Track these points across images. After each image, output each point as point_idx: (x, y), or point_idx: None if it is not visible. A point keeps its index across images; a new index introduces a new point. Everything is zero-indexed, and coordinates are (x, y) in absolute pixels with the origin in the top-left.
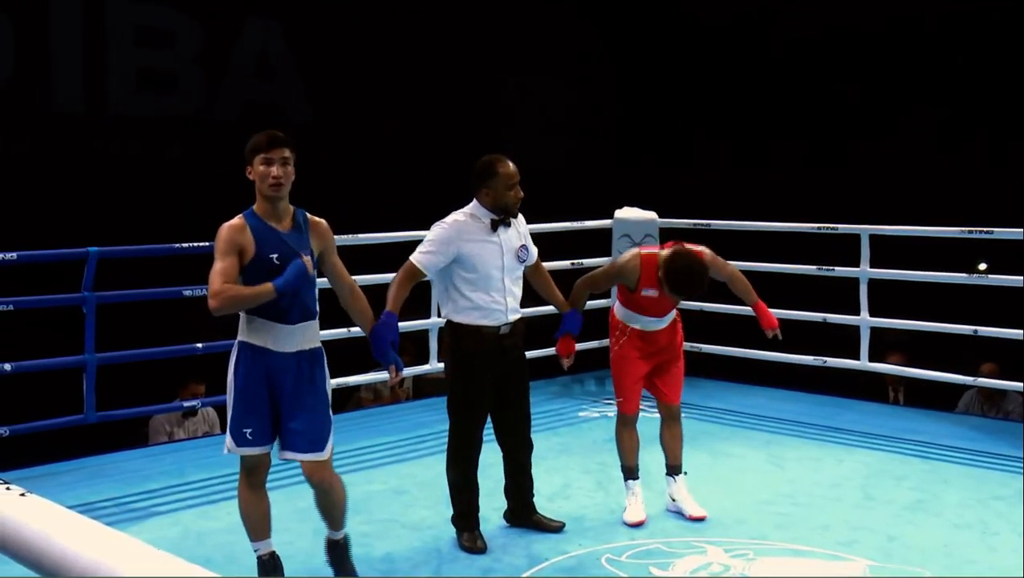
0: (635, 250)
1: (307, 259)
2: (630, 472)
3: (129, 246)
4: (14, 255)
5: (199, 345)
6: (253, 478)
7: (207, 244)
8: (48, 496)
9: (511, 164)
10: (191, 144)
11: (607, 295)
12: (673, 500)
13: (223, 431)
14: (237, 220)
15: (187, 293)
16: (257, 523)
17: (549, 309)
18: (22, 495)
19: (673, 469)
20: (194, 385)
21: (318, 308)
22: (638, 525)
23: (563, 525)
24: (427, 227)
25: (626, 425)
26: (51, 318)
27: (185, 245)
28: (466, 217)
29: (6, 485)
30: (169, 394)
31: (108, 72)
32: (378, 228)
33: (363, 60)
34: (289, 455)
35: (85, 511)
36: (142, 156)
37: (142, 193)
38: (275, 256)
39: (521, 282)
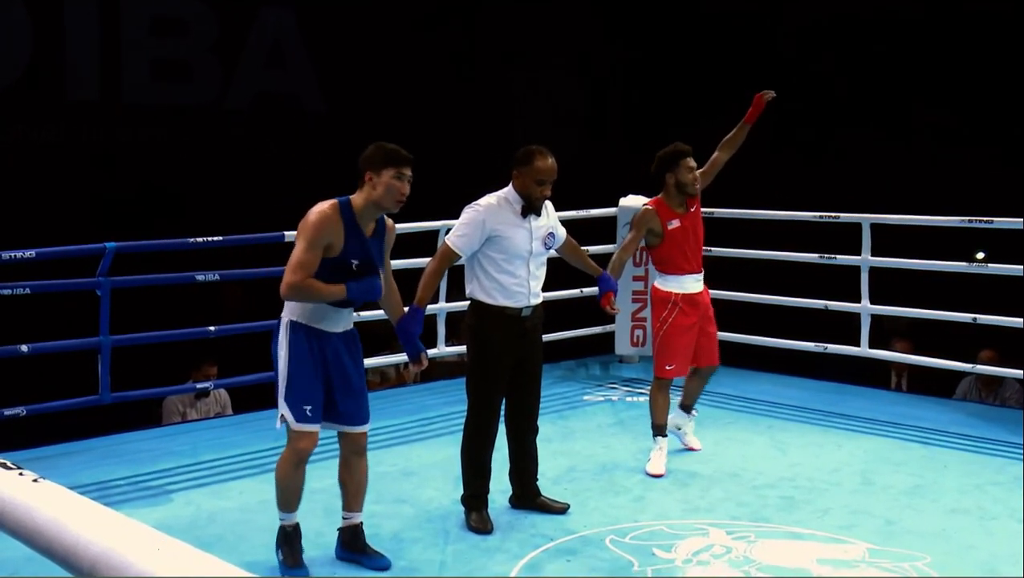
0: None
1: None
2: (660, 429)
3: (144, 241)
4: (32, 252)
5: (212, 328)
6: (304, 454)
7: (219, 238)
8: (64, 475)
9: (551, 160)
10: (205, 132)
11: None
12: (678, 428)
13: (235, 412)
14: (332, 211)
15: (200, 278)
16: (293, 496)
17: (554, 295)
18: (35, 481)
19: (686, 407)
20: (207, 367)
21: None
22: (658, 476)
23: (568, 507)
24: (438, 216)
25: (663, 389)
26: (67, 302)
27: (199, 240)
28: (498, 200)
29: (19, 470)
30: (182, 376)
31: (123, 61)
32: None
33: (375, 50)
34: (347, 429)
35: (100, 490)
36: (156, 144)
37: (156, 180)
38: (356, 262)
39: (545, 268)
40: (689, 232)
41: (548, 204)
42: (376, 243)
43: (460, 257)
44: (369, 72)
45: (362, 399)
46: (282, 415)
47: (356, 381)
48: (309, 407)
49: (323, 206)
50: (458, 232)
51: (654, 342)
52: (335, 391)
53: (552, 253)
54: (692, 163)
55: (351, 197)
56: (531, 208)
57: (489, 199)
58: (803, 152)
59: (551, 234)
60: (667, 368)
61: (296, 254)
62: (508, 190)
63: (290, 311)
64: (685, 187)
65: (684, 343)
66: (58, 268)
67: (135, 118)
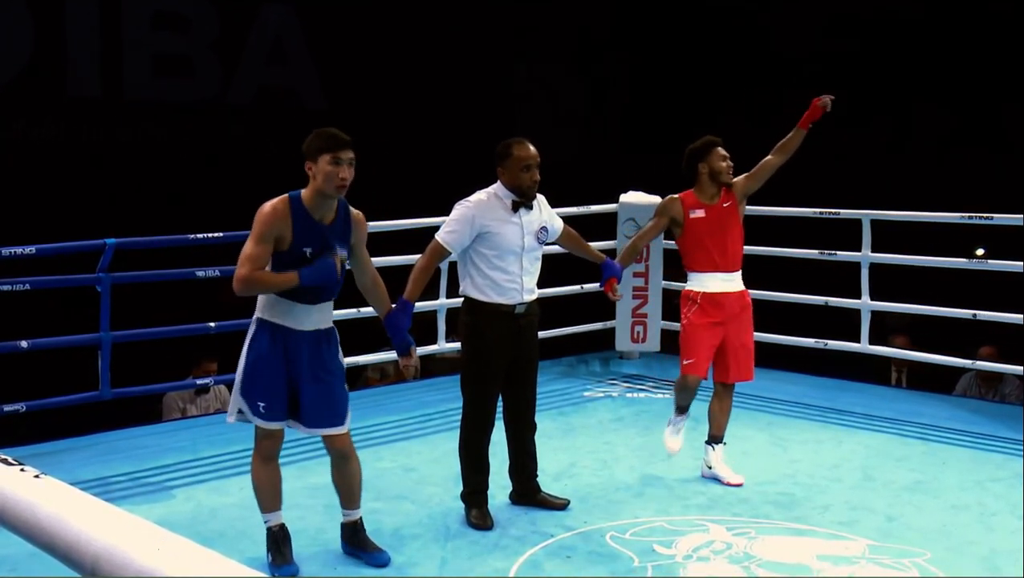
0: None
1: (341, 256)
2: (680, 409)
3: (144, 237)
4: (32, 249)
5: (212, 324)
6: (267, 451)
7: (220, 234)
8: (64, 471)
9: (530, 147)
10: (206, 128)
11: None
12: (709, 468)
13: None
14: (281, 204)
15: (200, 274)
16: (269, 495)
17: (554, 291)
18: (36, 477)
19: (715, 438)
20: (207, 363)
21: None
22: (674, 453)
23: (568, 503)
24: (438, 213)
25: (688, 384)
26: (67, 298)
27: (199, 236)
28: (488, 196)
29: (20, 466)
30: (183, 372)
31: (124, 57)
32: (390, 214)
33: (376, 46)
34: (311, 431)
35: (100, 486)
36: (157, 140)
37: (157, 176)
38: (309, 250)
39: (539, 264)
40: (713, 224)
41: (542, 199)
42: (337, 230)
43: (450, 253)
44: (370, 69)
45: (332, 400)
46: (239, 409)
47: (325, 381)
48: (263, 404)
49: (272, 201)
50: (448, 228)
51: (680, 338)
52: (300, 392)
53: (553, 248)
54: (724, 151)
55: (302, 190)
56: (524, 199)
57: (479, 195)
58: (803, 151)
59: (544, 229)
60: (685, 362)
61: (245, 249)
62: (497, 186)
63: (259, 308)
64: (719, 175)
65: (702, 340)
66: (58, 264)
67: (136, 114)
